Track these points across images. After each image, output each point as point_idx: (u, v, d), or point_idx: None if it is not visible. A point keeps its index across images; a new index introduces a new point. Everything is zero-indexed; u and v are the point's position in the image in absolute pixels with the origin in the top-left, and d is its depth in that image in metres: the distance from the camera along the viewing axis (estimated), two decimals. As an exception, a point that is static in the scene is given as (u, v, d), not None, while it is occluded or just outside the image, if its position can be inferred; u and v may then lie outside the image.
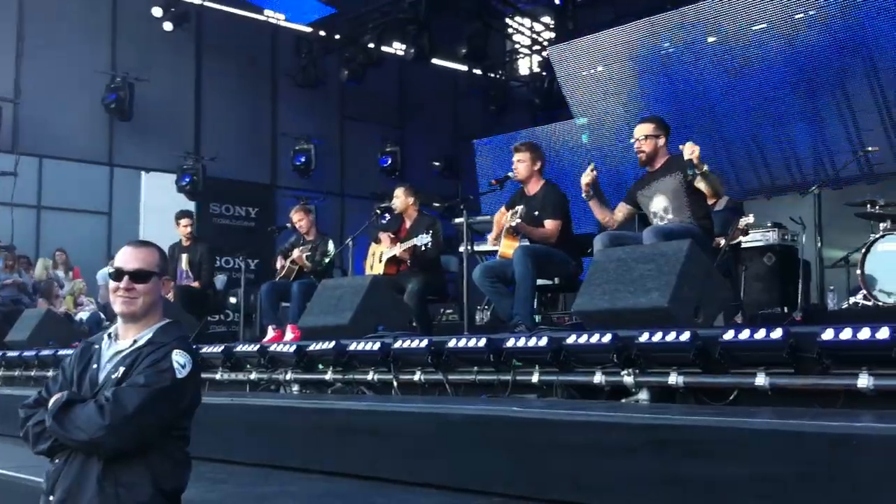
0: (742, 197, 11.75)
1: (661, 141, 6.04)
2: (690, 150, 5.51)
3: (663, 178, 5.91)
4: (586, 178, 6.14)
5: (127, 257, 2.90)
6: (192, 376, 2.83)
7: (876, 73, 11.01)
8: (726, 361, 4.22)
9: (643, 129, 6.06)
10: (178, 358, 2.78)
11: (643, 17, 13.15)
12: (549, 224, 6.53)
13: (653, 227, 5.77)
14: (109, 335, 2.94)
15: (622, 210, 6.28)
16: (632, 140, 6.12)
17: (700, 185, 5.71)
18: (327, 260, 8.76)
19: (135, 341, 2.85)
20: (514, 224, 6.43)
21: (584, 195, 6.21)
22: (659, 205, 5.95)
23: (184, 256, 9.62)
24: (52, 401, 2.76)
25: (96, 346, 2.92)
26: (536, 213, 6.59)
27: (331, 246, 8.87)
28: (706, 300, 5.00)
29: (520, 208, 6.57)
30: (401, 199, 7.93)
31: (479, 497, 4.02)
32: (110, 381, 2.77)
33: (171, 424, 2.83)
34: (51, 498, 2.77)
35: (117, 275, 2.87)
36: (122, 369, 2.78)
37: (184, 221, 9.80)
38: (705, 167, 5.55)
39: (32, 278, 13.00)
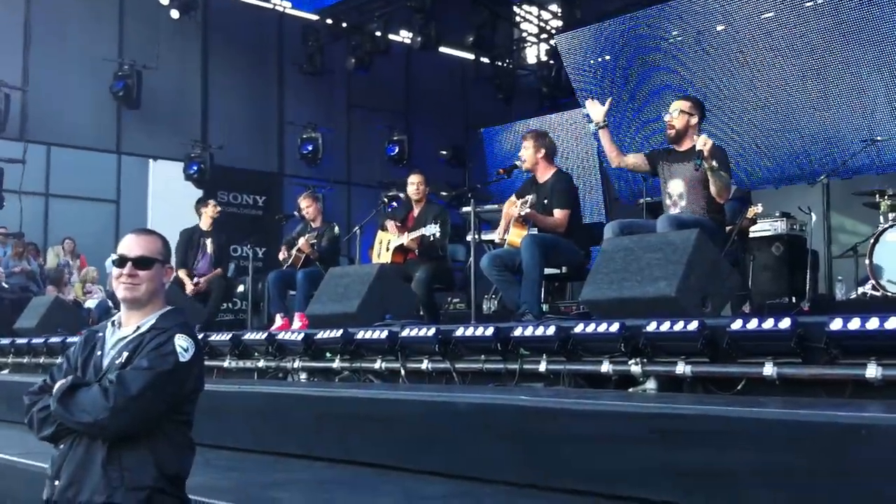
0: (750, 186, 11.72)
1: (694, 120, 5.97)
2: (703, 143, 5.49)
3: (686, 162, 5.85)
4: (601, 109, 6.15)
5: (130, 244, 2.95)
6: (195, 360, 2.87)
7: (886, 61, 10.96)
8: (734, 351, 4.21)
9: (678, 105, 6.00)
10: (181, 342, 2.82)
11: (651, 6, 13.09)
12: (559, 213, 6.53)
13: (667, 215, 5.75)
14: (113, 322, 2.98)
15: (636, 158, 6.26)
16: (664, 116, 6.06)
17: (709, 178, 5.66)
18: (335, 232, 8.78)
19: (138, 327, 2.90)
20: (523, 213, 6.42)
21: (595, 125, 6.22)
22: (675, 188, 5.93)
23: (208, 241, 9.57)
24: (56, 386, 2.79)
25: (100, 334, 2.97)
26: (546, 200, 6.59)
27: (336, 230, 8.88)
28: (714, 289, 5.00)
29: (530, 197, 6.56)
30: (420, 187, 7.90)
31: (486, 485, 4.03)
32: (114, 367, 2.81)
33: (175, 409, 2.86)
34: (56, 482, 2.80)
35: (121, 261, 2.91)
36: (125, 354, 2.82)
37: (213, 202, 9.79)
38: (714, 163, 5.50)
39: (41, 266, 13.05)
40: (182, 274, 9.25)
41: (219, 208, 9.77)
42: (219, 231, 9.71)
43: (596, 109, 6.24)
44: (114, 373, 2.77)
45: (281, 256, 8.98)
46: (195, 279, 9.31)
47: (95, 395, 2.72)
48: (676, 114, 5.96)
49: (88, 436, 2.77)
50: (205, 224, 9.69)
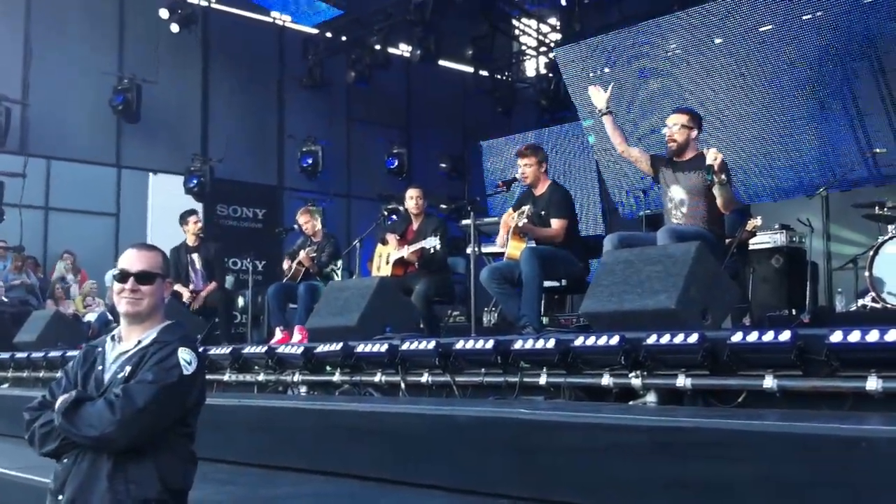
0: (749, 199, 11.73)
1: (694, 133, 5.99)
2: (713, 157, 5.47)
3: (688, 172, 5.86)
4: (603, 95, 6.19)
5: (132, 259, 2.96)
6: (198, 373, 2.90)
7: (884, 74, 10.99)
8: (734, 363, 4.21)
9: (677, 119, 6.01)
10: (184, 355, 2.85)
11: (650, 19, 13.13)
12: (556, 223, 6.54)
13: (667, 228, 5.75)
14: (113, 337, 2.99)
15: (641, 154, 6.27)
16: (663, 130, 6.07)
17: (714, 191, 5.66)
18: (334, 267, 8.74)
19: (139, 341, 2.91)
20: (520, 224, 6.43)
21: (599, 112, 6.25)
22: (676, 195, 5.93)
23: (195, 257, 9.48)
24: (59, 400, 2.80)
25: (99, 349, 2.98)
26: (543, 212, 6.60)
27: (339, 262, 8.85)
28: (714, 302, 5.00)
29: (526, 208, 6.57)
30: (419, 200, 7.91)
31: (486, 499, 4.02)
32: (117, 381, 2.82)
33: (178, 421, 2.88)
34: (60, 497, 2.80)
35: (122, 276, 2.93)
36: (128, 368, 2.83)
37: (193, 219, 9.64)
38: (723, 177, 5.50)
39: (40, 279, 13.03)
40: (177, 286, 9.14)
41: (200, 224, 9.62)
42: (205, 244, 9.61)
43: (598, 96, 6.28)
44: (118, 387, 2.78)
45: (285, 266, 8.97)
46: (192, 295, 9.25)
47: (101, 409, 2.73)
48: (677, 128, 5.96)
49: (93, 450, 2.78)
50: (190, 240, 9.57)
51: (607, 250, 5.74)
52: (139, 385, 2.76)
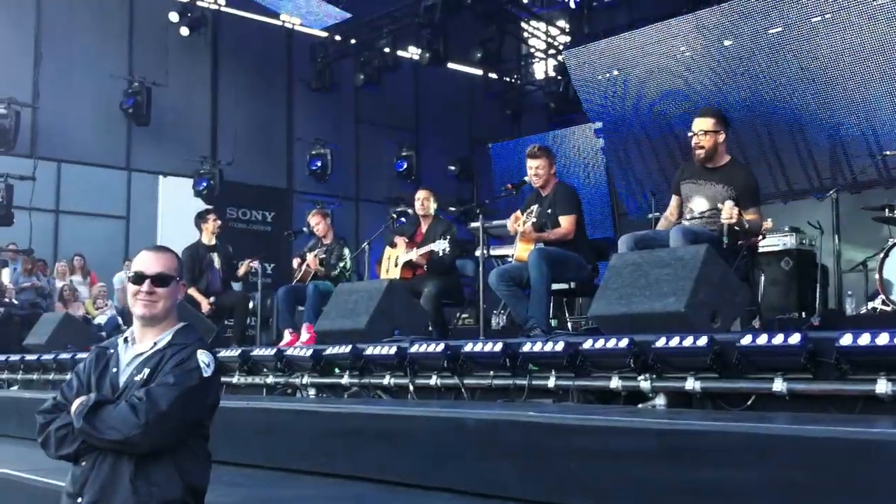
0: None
1: (721, 137, 5.73)
2: (729, 215, 5.32)
3: (716, 184, 5.70)
4: None
5: (148, 262, 2.97)
6: (216, 375, 2.93)
7: (894, 76, 10.96)
8: (743, 366, 4.19)
9: (703, 124, 5.72)
10: (203, 357, 2.87)
11: (659, 21, 13.12)
12: (564, 221, 6.52)
13: (679, 227, 5.67)
14: (125, 340, 2.99)
15: (675, 203, 6.04)
16: (689, 134, 5.80)
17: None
18: (342, 264, 8.72)
19: (155, 343, 2.92)
20: (527, 226, 6.43)
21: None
22: (698, 206, 5.79)
23: (214, 256, 9.30)
24: (76, 403, 2.80)
25: (111, 351, 2.98)
26: (550, 210, 6.59)
27: (346, 253, 8.81)
28: (723, 305, 4.98)
29: (534, 207, 6.57)
30: (425, 202, 7.92)
31: (495, 502, 4.01)
32: (135, 383, 2.83)
33: (197, 422, 2.89)
34: (79, 500, 2.80)
35: (139, 279, 2.93)
36: (146, 370, 2.84)
37: (212, 217, 9.48)
38: (743, 223, 5.37)
39: (49, 282, 13.07)
40: (193, 292, 9.00)
41: (219, 222, 9.51)
42: (223, 244, 9.53)
43: None
44: (136, 389, 2.79)
45: (295, 264, 8.95)
46: (211, 298, 9.05)
47: (125, 413, 2.74)
48: (703, 134, 5.71)
49: (114, 452, 2.78)
50: (207, 239, 9.37)
51: (620, 252, 5.70)
52: (162, 388, 2.77)
